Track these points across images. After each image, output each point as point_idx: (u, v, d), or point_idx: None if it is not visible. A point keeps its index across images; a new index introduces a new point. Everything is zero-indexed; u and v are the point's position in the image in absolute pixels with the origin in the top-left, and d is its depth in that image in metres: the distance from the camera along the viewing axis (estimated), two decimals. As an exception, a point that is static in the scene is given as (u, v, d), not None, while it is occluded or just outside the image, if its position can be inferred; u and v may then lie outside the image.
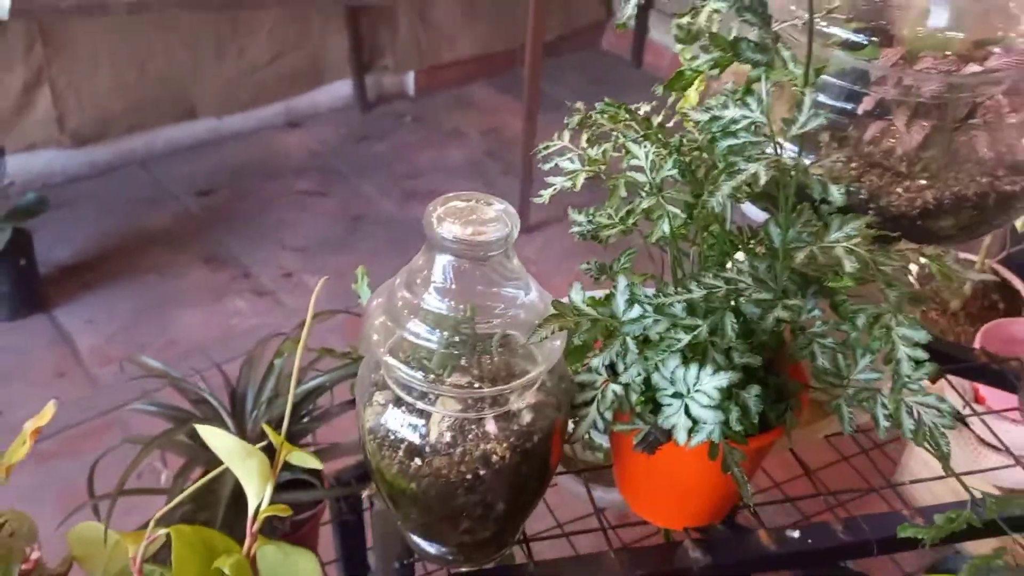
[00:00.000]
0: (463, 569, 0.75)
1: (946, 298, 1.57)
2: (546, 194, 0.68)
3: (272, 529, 1.16)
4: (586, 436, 0.69)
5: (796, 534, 0.80)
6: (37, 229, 2.44)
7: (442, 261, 0.62)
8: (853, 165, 0.70)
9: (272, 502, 0.79)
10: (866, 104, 0.71)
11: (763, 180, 0.56)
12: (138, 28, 2.70)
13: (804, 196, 0.70)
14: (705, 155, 0.66)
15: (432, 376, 0.64)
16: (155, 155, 2.91)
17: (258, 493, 0.81)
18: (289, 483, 1.06)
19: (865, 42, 0.69)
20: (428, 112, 3.26)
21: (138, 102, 2.80)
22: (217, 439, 0.80)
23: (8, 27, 2.50)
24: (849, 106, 0.71)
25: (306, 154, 3.00)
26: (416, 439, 0.66)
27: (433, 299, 0.63)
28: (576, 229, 0.74)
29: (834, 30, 0.72)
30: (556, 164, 0.70)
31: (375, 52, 3.19)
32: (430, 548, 0.75)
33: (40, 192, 2.39)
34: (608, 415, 0.67)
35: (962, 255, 1.67)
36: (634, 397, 0.67)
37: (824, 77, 0.71)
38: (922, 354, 0.59)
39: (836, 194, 0.68)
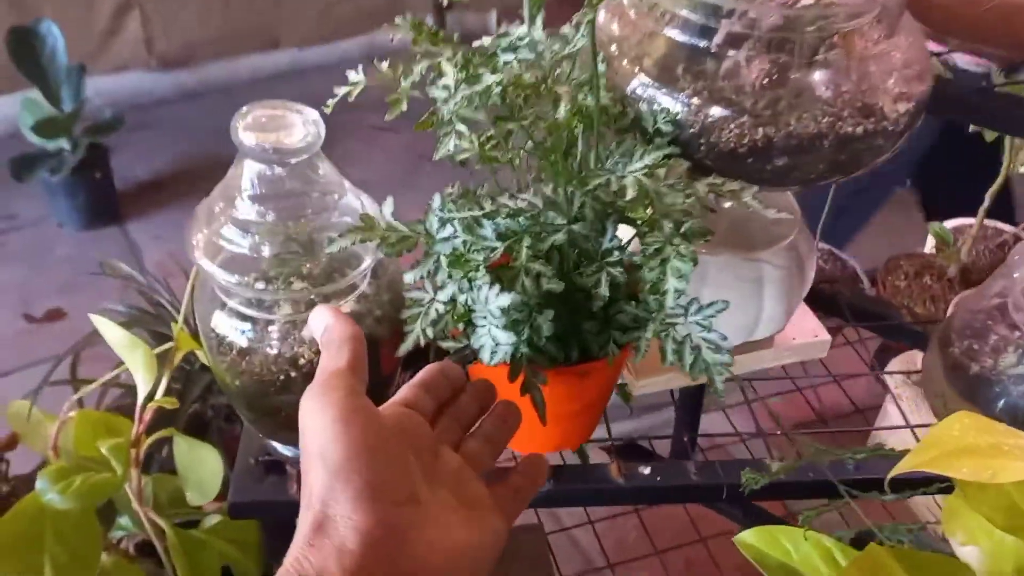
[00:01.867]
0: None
1: (942, 263, 1.49)
2: (331, 103, 0.70)
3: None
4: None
5: (647, 471, 0.80)
6: (119, 147, 2.58)
7: (250, 169, 0.65)
8: (696, 100, 0.69)
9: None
10: (717, 38, 0.69)
11: (496, 90, 0.58)
12: (224, -42, 2.79)
13: (640, 127, 0.70)
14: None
15: (245, 280, 0.67)
16: (238, 83, 3.01)
17: (145, 383, 0.86)
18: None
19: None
20: (510, 51, 3.26)
21: (223, 30, 2.90)
22: (108, 330, 0.86)
23: (100, -48, 2.63)
24: (703, 42, 0.70)
25: (382, 90, 3.05)
26: (243, 342, 0.70)
27: (245, 206, 0.66)
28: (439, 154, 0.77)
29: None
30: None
31: (458, -10, 3.20)
32: (283, 449, 0.79)
33: (127, 112, 2.51)
34: (430, 332, 0.69)
35: (960, 221, 1.57)
36: (456, 316, 0.69)
37: (682, 12, 0.70)
38: (684, 285, 0.58)
39: (662, 125, 0.69)
